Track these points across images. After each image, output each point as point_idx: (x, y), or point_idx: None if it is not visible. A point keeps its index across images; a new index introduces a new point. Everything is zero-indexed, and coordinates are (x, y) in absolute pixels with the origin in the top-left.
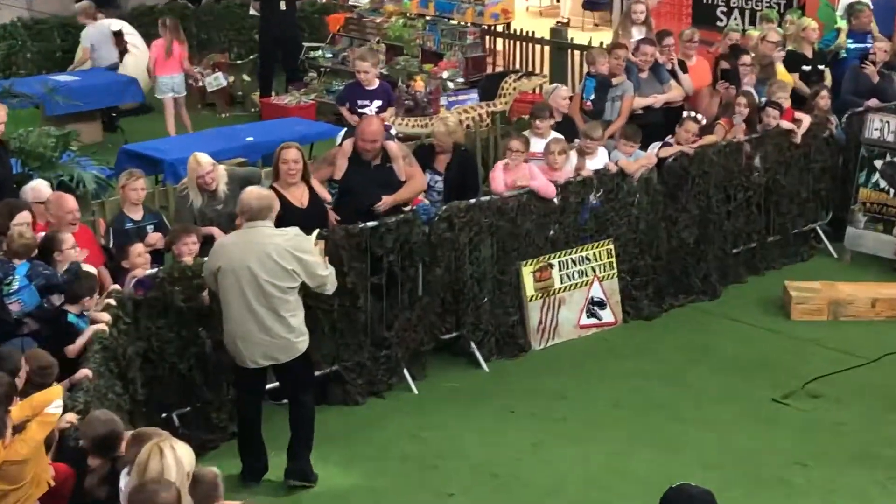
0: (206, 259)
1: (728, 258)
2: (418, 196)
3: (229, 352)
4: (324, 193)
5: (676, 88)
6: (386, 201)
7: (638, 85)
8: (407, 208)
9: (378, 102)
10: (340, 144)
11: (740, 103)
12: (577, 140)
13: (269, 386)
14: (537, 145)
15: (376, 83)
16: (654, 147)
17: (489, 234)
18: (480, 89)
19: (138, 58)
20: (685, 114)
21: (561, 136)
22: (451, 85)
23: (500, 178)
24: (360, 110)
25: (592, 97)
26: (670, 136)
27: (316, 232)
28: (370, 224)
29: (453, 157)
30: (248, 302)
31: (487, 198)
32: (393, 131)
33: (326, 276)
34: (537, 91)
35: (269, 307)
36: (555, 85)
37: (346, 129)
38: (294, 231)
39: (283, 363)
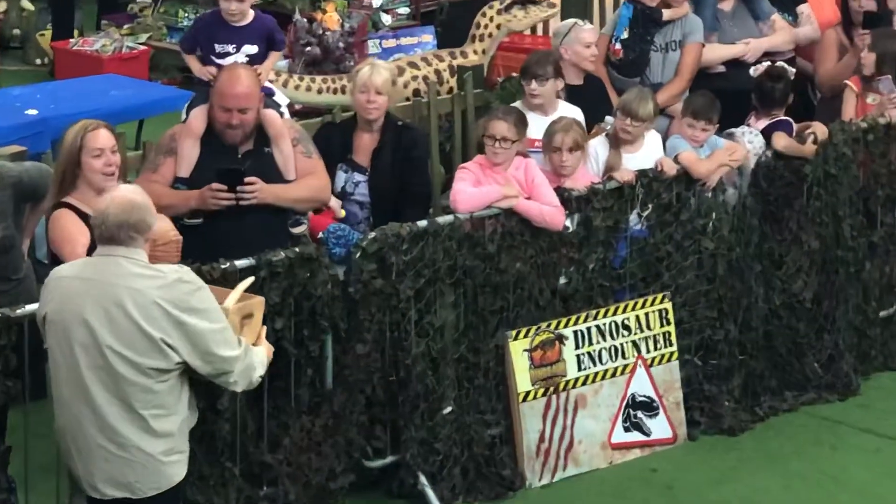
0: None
1: (871, 326)
2: (325, 209)
3: (70, 468)
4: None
5: (784, 29)
6: (262, 188)
7: (715, 22)
8: (300, 230)
9: (251, 48)
10: (185, 119)
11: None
12: (607, 119)
13: None
14: (538, 127)
15: (250, 15)
16: (746, 132)
17: (452, 282)
18: (439, 27)
19: None
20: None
21: (573, 115)
22: (386, 20)
23: (468, 187)
24: (218, 61)
25: (625, 37)
26: (772, 111)
27: (247, 281)
28: (240, 264)
29: (383, 138)
30: (82, 381)
31: (449, 218)
32: (280, 98)
33: (234, 357)
34: (540, 31)
35: (117, 396)
36: (571, 21)
37: (195, 94)
38: (180, 273)
39: (145, 500)
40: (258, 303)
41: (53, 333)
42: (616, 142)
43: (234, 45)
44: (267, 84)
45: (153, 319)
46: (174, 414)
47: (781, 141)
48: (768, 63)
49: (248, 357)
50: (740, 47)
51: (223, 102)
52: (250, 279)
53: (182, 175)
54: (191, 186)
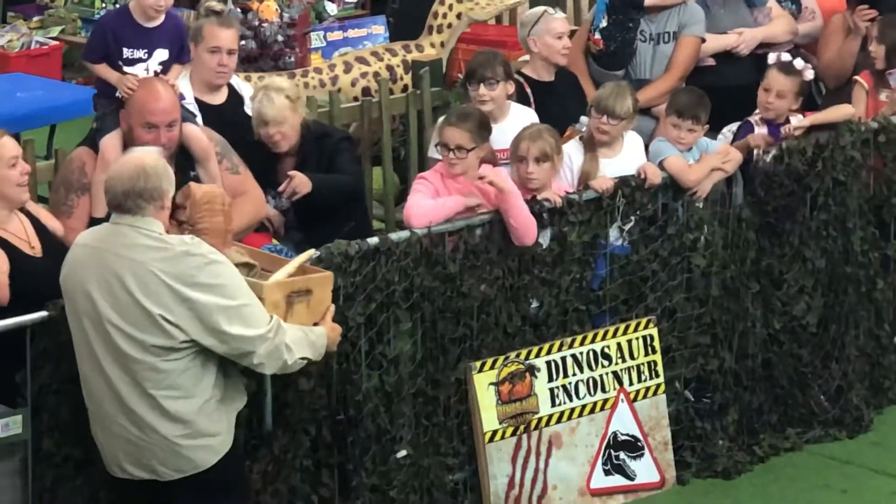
0: None
1: (885, 353)
2: (261, 232)
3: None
4: (55, 225)
5: (782, 18)
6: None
7: (707, 9)
8: None
9: (163, 53)
10: (92, 139)
11: None
12: (582, 120)
13: None
14: (504, 135)
15: (163, 15)
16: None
17: (407, 306)
18: (392, 17)
19: None
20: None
21: (528, 119)
22: (332, 9)
23: (424, 199)
24: (126, 69)
25: (604, 25)
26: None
27: (307, 254)
28: None
29: (302, 154)
30: (95, 357)
31: (404, 234)
32: (243, 89)
33: (254, 337)
34: (506, 21)
35: (126, 374)
36: (540, 9)
37: (102, 112)
38: (189, 245)
39: (173, 483)
40: (321, 278)
41: (67, 304)
42: (592, 145)
43: (145, 51)
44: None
45: (153, 294)
46: (191, 396)
47: (672, 163)
48: (787, 56)
49: (279, 337)
50: (732, 38)
51: (149, 119)
52: (311, 252)
53: (97, 215)
54: None
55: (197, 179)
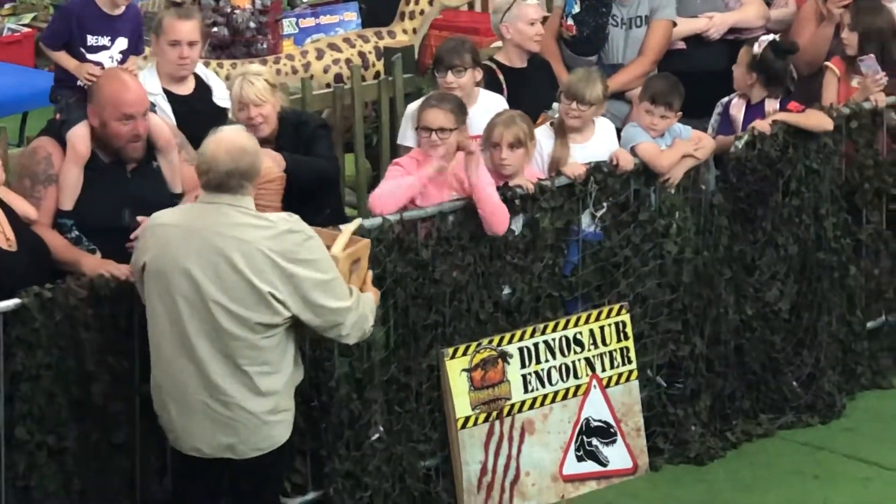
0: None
1: (857, 339)
2: None
3: (160, 422)
4: (27, 209)
5: (753, 3)
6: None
7: None
8: None
9: (124, 42)
10: (55, 130)
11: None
12: (554, 107)
13: None
14: (474, 121)
15: (124, 3)
16: (714, 119)
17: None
18: (364, 4)
19: None
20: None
21: (497, 105)
22: None
23: (395, 187)
24: (90, 56)
25: (577, 11)
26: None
27: (355, 223)
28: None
29: (278, 145)
30: (184, 334)
31: (377, 220)
32: (217, 86)
33: (345, 308)
34: (478, 7)
35: (221, 352)
36: None
37: (65, 102)
38: (290, 222)
39: (243, 462)
40: (364, 246)
41: (154, 284)
42: (562, 131)
43: (108, 38)
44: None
45: (261, 272)
46: (279, 371)
47: (644, 149)
48: (772, 36)
49: (361, 307)
50: (703, 22)
51: (125, 110)
52: (358, 221)
53: (66, 208)
54: (76, 219)
55: (159, 172)
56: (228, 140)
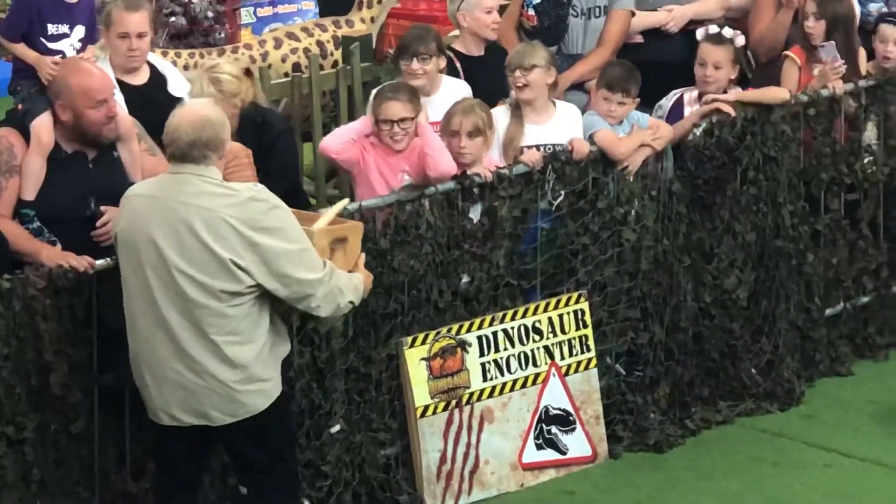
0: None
1: (815, 327)
2: None
3: (142, 396)
4: None
5: None
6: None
7: None
8: None
9: (81, 30)
10: (16, 120)
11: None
12: (512, 94)
13: None
14: (437, 108)
15: None
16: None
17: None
18: None
19: None
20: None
21: (461, 92)
22: None
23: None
24: (50, 45)
25: (537, 1)
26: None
27: (342, 203)
28: (100, 263)
29: (239, 132)
30: (155, 304)
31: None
32: (176, 80)
33: (315, 280)
34: None
35: (188, 320)
36: None
37: (26, 92)
38: (254, 191)
39: (224, 427)
40: (353, 227)
41: (124, 253)
42: (518, 110)
43: (68, 26)
44: None
45: (223, 239)
46: (250, 342)
47: (602, 136)
48: (714, 27)
49: (334, 281)
50: (662, 15)
51: (96, 97)
52: (345, 201)
53: (28, 198)
54: (38, 210)
55: (120, 161)
56: (193, 111)
